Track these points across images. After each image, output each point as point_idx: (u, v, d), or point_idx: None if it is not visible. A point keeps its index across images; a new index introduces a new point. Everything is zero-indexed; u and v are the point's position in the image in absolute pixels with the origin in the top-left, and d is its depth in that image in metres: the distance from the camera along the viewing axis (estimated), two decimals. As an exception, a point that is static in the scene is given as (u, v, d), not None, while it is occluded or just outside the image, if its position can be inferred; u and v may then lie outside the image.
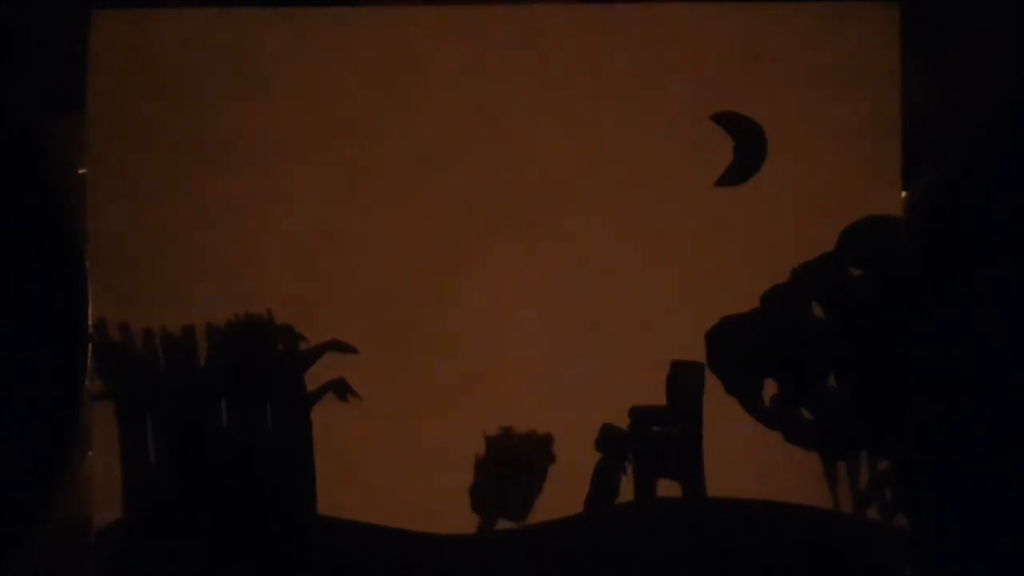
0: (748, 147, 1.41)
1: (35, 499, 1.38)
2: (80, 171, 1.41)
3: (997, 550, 1.35)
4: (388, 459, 1.41)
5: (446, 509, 1.41)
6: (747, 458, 1.40)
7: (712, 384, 1.41)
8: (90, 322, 1.40)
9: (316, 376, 1.42)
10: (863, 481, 1.40)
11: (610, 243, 1.41)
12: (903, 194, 1.40)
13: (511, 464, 1.39)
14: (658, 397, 1.41)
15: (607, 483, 1.41)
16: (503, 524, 1.41)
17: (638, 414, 1.41)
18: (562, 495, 1.41)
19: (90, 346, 1.40)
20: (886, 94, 1.40)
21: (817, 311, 1.41)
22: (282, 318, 1.41)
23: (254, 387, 1.42)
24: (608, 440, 1.40)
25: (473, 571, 1.41)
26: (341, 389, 1.41)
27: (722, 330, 1.41)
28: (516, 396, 1.41)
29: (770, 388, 1.41)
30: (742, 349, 1.41)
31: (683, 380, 1.41)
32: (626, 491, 1.41)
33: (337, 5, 1.43)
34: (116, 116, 1.42)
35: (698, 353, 1.41)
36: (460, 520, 1.41)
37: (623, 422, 1.41)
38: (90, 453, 1.41)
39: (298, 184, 1.42)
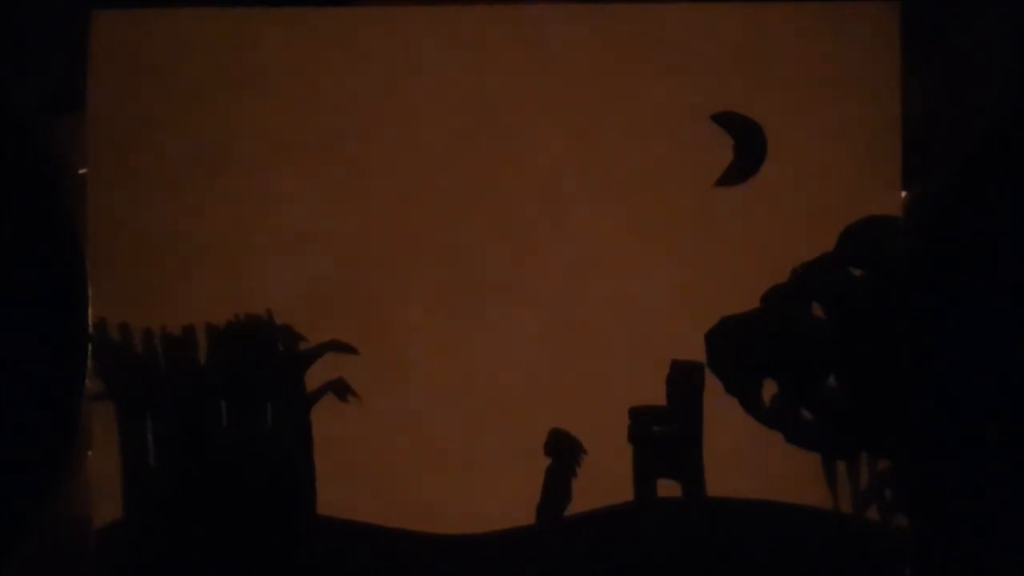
0: (748, 147, 1.41)
1: (35, 499, 1.37)
2: (80, 171, 1.41)
3: (997, 550, 1.35)
4: (388, 459, 1.41)
5: (446, 509, 1.41)
6: (747, 458, 1.40)
7: (712, 384, 1.41)
8: (90, 322, 1.40)
9: (316, 376, 1.42)
10: (863, 481, 1.40)
11: (610, 243, 1.41)
12: (903, 194, 1.40)
13: None
14: (658, 397, 1.41)
15: (559, 488, 1.40)
16: (504, 524, 1.41)
17: (638, 414, 1.41)
18: (562, 495, 1.41)
19: (90, 346, 1.40)
20: (886, 94, 1.40)
21: (817, 311, 1.41)
22: (282, 318, 1.41)
23: (254, 387, 1.42)
24: (556, 444, 1.40)
25: (473, 571, 1.41)
26: (341, 389, 1.41)
27: (722, 330, 1.41)
28: (515, 396, 1.41)
29: (770, 388, 1.41)
30: (742, 349, 1.40)
31: (683, 380, 1.41)
32: (626, 491, 1.41)
33: (337, 5, 1.43)
34: (116, 116, 1.42)
35: (698, 353, 1.41)
36: (460, 520, 1.41)
37: (623, 422, 1.41)
38: (90, 453, 1.41)
39: (298, 184, 1.42)
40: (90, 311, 1.40)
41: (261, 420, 1.41)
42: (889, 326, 1.39)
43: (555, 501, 1.41)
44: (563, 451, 1.40)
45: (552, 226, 1.41)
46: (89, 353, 1.40)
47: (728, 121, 1.41)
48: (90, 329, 1.40)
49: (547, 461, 1.41)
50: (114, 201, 1.41)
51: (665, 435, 1.41)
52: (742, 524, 1.40)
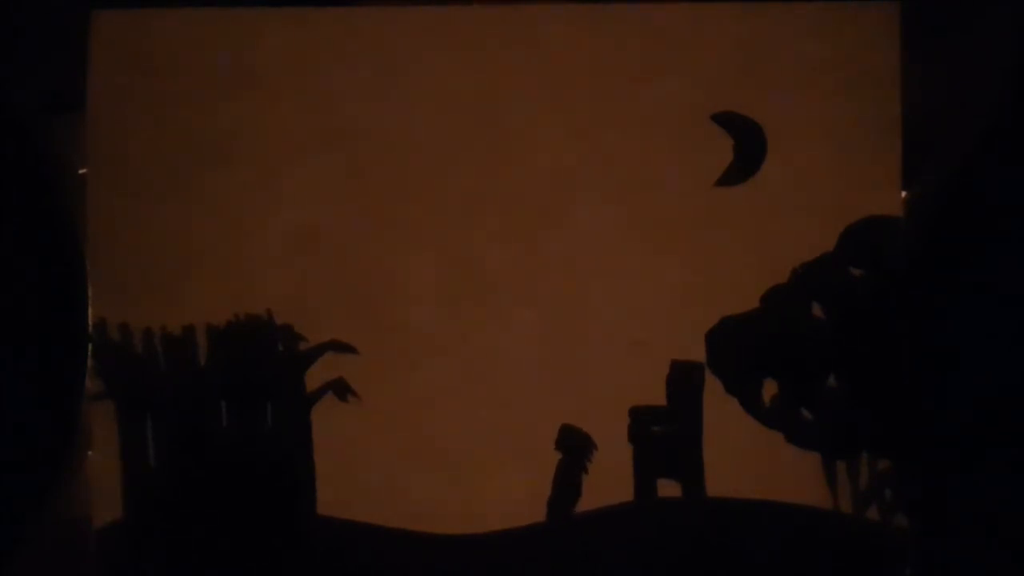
0: (748, 147, 1.41)
1: (35, 499, 1.38)
2: (80, 171, 1.41)
3: (997, 550, 1.35)
4: (388, 459, 1.41)
5: (446, 509, 1.41)
6: (747, 458, 1.40)
7: (712, 384, 1.41)
8: (90, 322, 1.40)
9: (316, 376, 1.42)
10: (863, 481, 1.40)
11: (610, 243, 1.41)
12: (903, 194, 1.40)
13: None
14: (658, 397, 1.41)
15: (569, 483, 1.41)
16: (504, 524, 1.41)
17: (638, 414, 1.41)
18: (562, 495, 1.42)
19: (90, 346, 1.40)
20: (886, 94, 1.40)
21: (817, 311, 1.41)
22: (282, 318, 1.41)
23: (254, 387, 1.42)
24: (567, 440, 1.40)
25: (473, 571, 1.41)
26: (341, 389, 1.41)
27: (722, 330, 1.41)
28: (516, 396, 1.41)
29: (770, 388, 1.41)
30: (742, 349, 1.40)
31: (683, 380, 1.41)
32: (626, 491, 1.41)
33: (337, 5, 1.43)
34: (116, 116, 1.42)
35: (698, 353, 1.41)
36: (460, 520, 1.41)
37: (623, 422, 1.41)
38: (90, 453, 1.41)
39: (298, 184, 1.42)
40: (90, 311, 1.40)
41: (261, 420, 1.42)
42: (889, 326, 1.39)
43: (565, 496, 1.41)
44: (574, 447, 1.40)
45: (552, 226, 1.41)
46: (89, 353, 1.40)
47: (728, 121, 1.41)
48: (90, 329, 1.40)
49: (547, 461, 1.41)
50: (114, 201, 1.41)
51: (665, 435, 1.41)
52: (742, 524, 1.40)
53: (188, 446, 1.41)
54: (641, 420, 1.41)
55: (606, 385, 1.40)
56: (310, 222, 1.42)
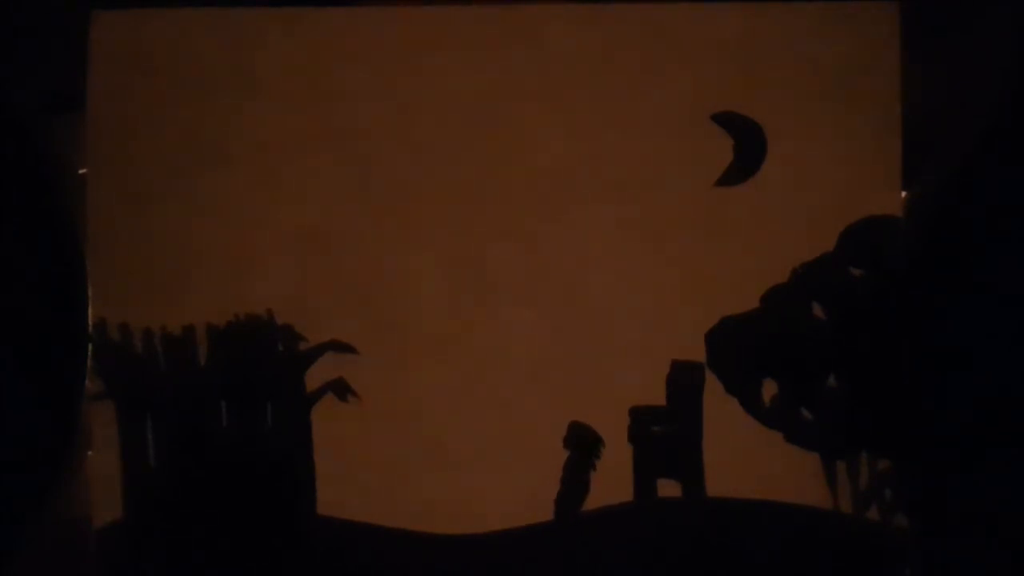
0: (748, 147, 1.41)
1: (35, 499, 1.37)
2: (80, 171, 1.41)
3: (997, 550, 1.35)
4: (388, 459, 1.41)
5: (446, 509, 1.41)
6: (747, 458, 1.40)
7: (712, 384, 1.41)
8: (90, 322, 1.40)
9: (316, 376, 1.42)
10: (863, 481, 1.40)
11: (610, 243, 1.41)
12: (903, 194, 1.40)
13: None
14: (658, 397, 1.41)
15: (578, 480, 1.41)
16: (503, 524, 1.41)
17: (638, 414, 1.41)
18: (562, 495, 1.42)
19: (90, 346, 1.40)
20: (886, 94, 1.40)
21: (817, 311, 1.41)
22: (282, 318, 1.41)
23: (254, 387, 1.42)
24: (576, 437, 1.40)
25: (473, 571, 1.41)
26: (341, 389, 1.41)
27: (722, 330, 1.41)
28: (516, 396, 1.41)
29: (770, 388, 1.41)
30: (742, 349, 1.40)
31: (683, 380, 1.41)
32: (626, 491, 1.41)
33: (337, 5, 1.43)
34: (116, 116, 1.42)
35: (698, 353, 1.41)
36: (460, 520, 1.41)
37: (623, 422, 1.41)
38: (90, 453, 1.41)
39: (298, 184, 1.42)
40: (90, 311, 1.40)
41: (261, 420, 1.42)
42: (889, 326, 1.39)
43: (574, 494, 1.41)
44: (582, 444, 1.40)
45: (552, 226, 1.41)
46: (89, 353, 1.40)
47: (728, 121, 1.41)
48: (90, 329, 1.40)
49: (547, 461, 1.41)
50: (114, 201, 1.41)
51: (665, 435, 1.41)
52: (742, 524, 1.40)
53: (188, 446, 1.41)
54: (641, 420, 1.41)
55: (606, 385, 1.40)
56: (310, 222, 1.42)
